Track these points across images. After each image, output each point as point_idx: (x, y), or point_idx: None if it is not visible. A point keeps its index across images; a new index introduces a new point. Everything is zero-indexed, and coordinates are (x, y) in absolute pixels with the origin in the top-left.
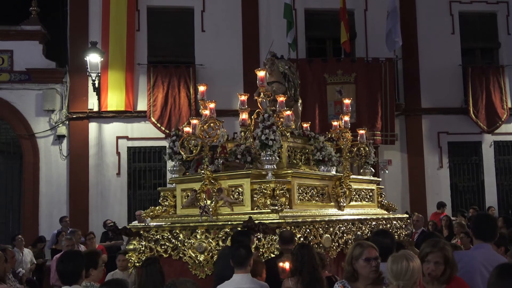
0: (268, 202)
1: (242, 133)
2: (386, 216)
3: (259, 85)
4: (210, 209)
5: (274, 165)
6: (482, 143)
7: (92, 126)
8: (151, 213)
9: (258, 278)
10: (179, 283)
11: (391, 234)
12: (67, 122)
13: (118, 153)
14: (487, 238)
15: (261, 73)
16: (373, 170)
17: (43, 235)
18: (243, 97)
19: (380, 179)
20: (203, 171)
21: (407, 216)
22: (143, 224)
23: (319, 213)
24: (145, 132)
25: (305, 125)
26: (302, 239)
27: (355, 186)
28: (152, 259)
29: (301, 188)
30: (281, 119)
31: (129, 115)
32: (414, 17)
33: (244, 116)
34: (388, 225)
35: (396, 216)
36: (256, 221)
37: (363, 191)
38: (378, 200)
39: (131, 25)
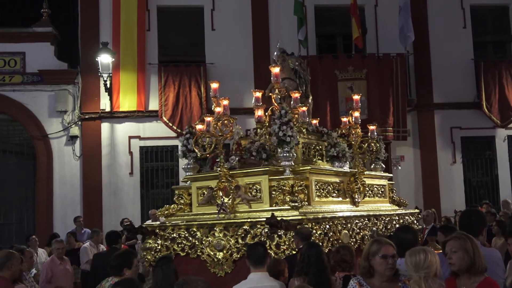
0: (287, 199)
1: (258, 130)
2: (398, 212)
3: (273, 81)
4: (227, 207)
5: (292, 162)
6: (495, 137)
7: (105, 126)
8: (166, 212)
9: (281, 278)
10: (190, 281)
11: (413, 229)
12: (79, 123)
13: (131, 153)
14: (471, 234)
15: (275, 70)
16: (384, 166)
17: (56, 232)
18: (258, 94)
19: (392, 175)
20: (219, 169)
21: (418, 211)
22: (159, 222)
23: (337, 209)
24: (157, 132)
25: (314, 121)
26: (322, 235)
27: (367, 182)
28: (166, 258)
29: (319, 184)
30: (296, 115)
31: (141, 114)
32: (425, 11)
33: (260, 112)
34: (401, 221)
35: (408, 211)
36: (278, 218)
37: (376, 187)
38: (390, 196)
39: (141, 25)
